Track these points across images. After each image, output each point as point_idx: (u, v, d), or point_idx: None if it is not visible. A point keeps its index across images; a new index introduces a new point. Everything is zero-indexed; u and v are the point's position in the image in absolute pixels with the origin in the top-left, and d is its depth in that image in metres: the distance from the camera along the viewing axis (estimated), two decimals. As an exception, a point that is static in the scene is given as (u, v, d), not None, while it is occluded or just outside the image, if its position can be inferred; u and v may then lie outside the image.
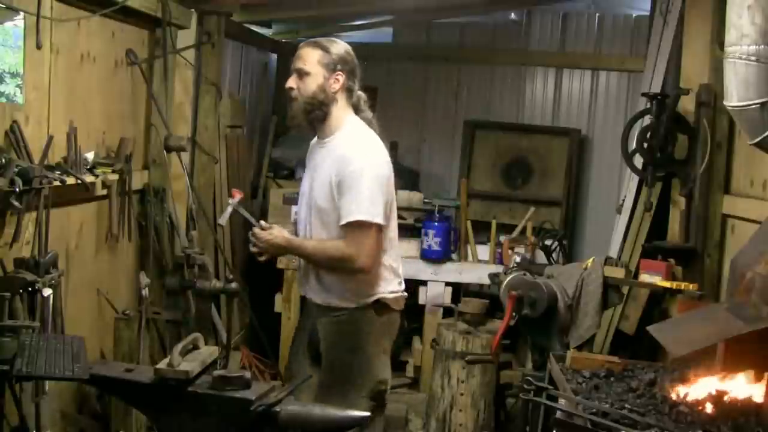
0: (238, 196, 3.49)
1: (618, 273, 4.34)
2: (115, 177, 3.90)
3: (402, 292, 3.32)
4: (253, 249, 3.27)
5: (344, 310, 3.19)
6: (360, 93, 3.27)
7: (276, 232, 3.24)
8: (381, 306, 3.21)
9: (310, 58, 3.15)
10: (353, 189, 3.04)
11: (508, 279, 4.13)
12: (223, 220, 3.67)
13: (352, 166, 3.06)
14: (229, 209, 3.51)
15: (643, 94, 4.87)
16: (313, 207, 3.22)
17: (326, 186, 3.13)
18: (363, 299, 3.19)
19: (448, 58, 7.66)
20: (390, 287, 3.24)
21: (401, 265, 3.35)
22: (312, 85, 3.13)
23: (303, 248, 3.24)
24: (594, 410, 2.76)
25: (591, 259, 4.47)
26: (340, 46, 3.21)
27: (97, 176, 3.67)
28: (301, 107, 3.16)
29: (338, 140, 3.19)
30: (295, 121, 3.23)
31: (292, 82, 3.18)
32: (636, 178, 5.02)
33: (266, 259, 3.31)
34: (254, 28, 6.79)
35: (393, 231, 3.27)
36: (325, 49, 3.15)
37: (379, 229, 3.10)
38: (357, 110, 3.26)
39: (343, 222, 3.08)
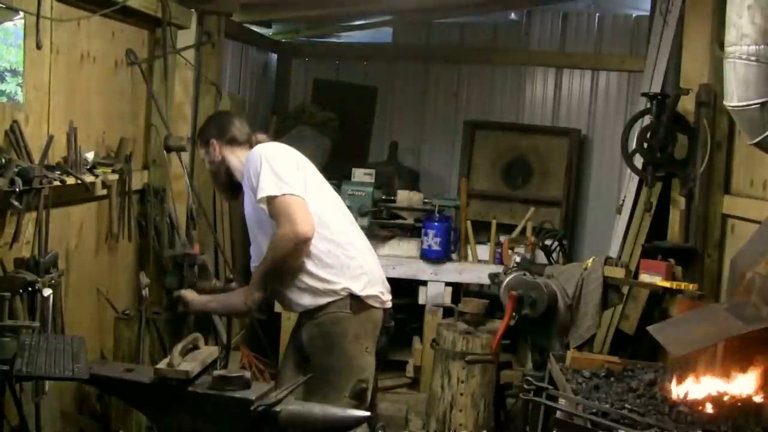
0: (196, 250, 3.92)
1: (618, 273, 4.34)
2: (115, 177, 3.90)
3: (376, 291, 3.27)
4: (180, 308, 3.42)
5: (321, 310, 3.19)
6: (248, 134, 3.45)
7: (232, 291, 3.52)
8: (357, 303, 3.20)
9: (198, 145, 3.59)
10: (259, 174, 3.14)
11: (508, 279, 4.13)
12: (170, 253, 3.97)
13: (252, 156, 3.22)
14: (182, 249, 3.94)
15: (643, 94, 4.87)
16: (251, 225, 3.32)
17: (250, 195, 3.22)
18: (330, 288, 3.18)
19: (448, 58, 7.67)
20: (349, 275, 3.21)
21: (367, 263, 3.30)
22: (206, 163, 3.53)
23: (257, 271, 3.25)
24: (594, 410, 2.76)
25: (591, 259, 4.47)
26: (206, 120, 3.69)
27: (97, 176, 3.67)
28: (212, 179, 3.62)
29: None
30: (218, 191, 3.79)
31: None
32: (636, 178, 5.02)
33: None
34: (254, 28, 6.79)
35: (331, 220, 3.25)
36: (198, 133, 3.58)
37: (298, 197, 3.11)
38: (256, 143, 3.41)
39: (258, 200, 3.13)
